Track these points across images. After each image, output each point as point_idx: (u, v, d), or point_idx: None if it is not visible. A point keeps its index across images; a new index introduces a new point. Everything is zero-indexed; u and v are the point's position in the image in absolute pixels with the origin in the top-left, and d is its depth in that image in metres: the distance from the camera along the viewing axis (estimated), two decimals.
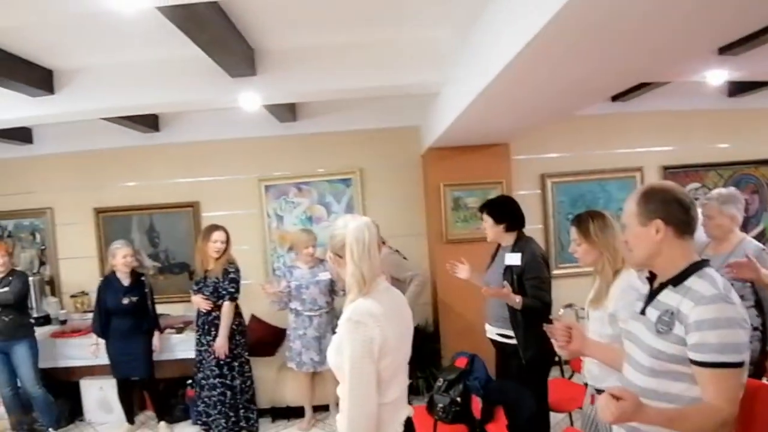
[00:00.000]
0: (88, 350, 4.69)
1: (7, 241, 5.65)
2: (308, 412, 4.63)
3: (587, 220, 2.57)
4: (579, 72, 2.63)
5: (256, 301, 4.99)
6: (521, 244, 3.46)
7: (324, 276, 4.43)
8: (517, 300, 3.20)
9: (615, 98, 5.17)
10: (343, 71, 3.70)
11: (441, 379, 3.40)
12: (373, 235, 1.96)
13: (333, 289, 4.48)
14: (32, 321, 4.83)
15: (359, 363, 1.82)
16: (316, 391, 4.61)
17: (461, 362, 3.43)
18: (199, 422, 4.52)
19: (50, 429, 4.61)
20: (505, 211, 3.54)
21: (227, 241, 4.43)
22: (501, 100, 3.17)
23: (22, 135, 5.44)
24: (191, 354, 4.54)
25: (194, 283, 4.49)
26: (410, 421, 2.05)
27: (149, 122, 5.28)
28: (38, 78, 3.74)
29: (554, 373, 3.89)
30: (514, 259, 3.38)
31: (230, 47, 3.31)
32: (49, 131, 5.55)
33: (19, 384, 4.60)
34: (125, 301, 4.47)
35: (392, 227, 4.94)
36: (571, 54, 2.31)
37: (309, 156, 5.60)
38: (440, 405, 3.24)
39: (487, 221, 3.53)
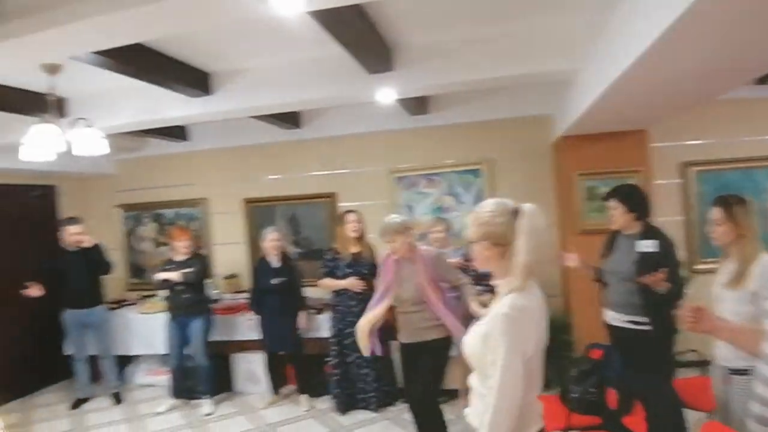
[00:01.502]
0: (245, 325, 5.22)
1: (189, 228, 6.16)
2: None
3: (732, 202, 2.61)
4: (727, 52, 2.47)
5: None
6: (653, 231, 3.43)
7: (453, 260, 4.52)
8: (666, 286, 3.17)
9: (761, 81, 4.70)
10: (477, 62, 3.71)
11: (575, 370, 3.34)
12: (542, 224, 1.88)
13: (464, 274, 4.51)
14: (209, 299, 5.40)
15: (511, 359, 1.75)
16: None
17: (596, 353, 3.36)
18: (337, 399, 4.82)
19: (206, 396, 5.16)
20: (637, 199, 3.52)
21: (361, 222, 4.73)
22: (639, 86, 3.04)
23: (180, 133, 6.06)
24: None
25: (344, 266, 4.76)
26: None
27: (291, 119, 5.64)
28: (196, 80, 4.13)
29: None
30: (649, 246, 3.34)
31: (369, 45, 3.46)
32: (204, 129, 6.12)
33: (188, 354, 5.19)
34: (275, 281, 4.89)
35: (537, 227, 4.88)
36: (720, 31, 2.17)
37: (439, 147, 5.70)
38: (574, 395, 3.19)
39: (618, 209, 3.50)
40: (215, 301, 5.89)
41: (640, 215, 3.47)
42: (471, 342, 1.94)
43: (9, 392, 5.71)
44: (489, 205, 1.96)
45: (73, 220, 5.41)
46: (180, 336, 5.14)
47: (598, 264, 3.72)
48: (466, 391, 2.06)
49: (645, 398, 2.88)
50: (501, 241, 1.87)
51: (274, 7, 2.31)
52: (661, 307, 3.25)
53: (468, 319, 3.47)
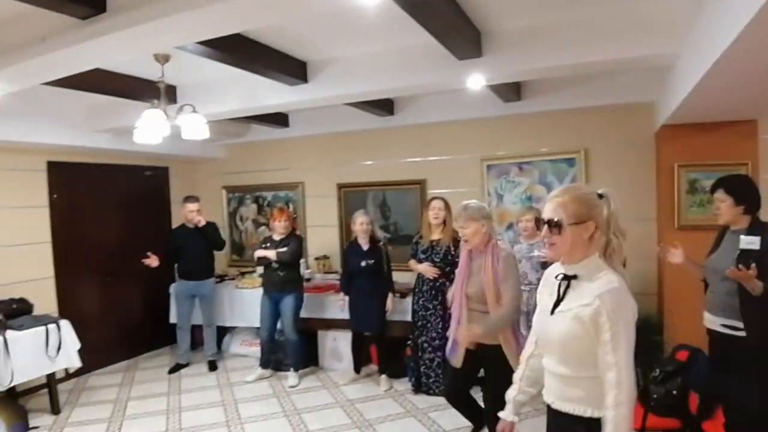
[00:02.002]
0: (337, 305, 5.42)
1: (288, 209, 6.52)
2: None
3: None
4: None
5: None
6: (759, 227, 3.12)
7: (538, 253, 4.45)
8: (760, 285, 2.90)
9: None
10: (571, 47, 3.58)
11: (657, 370, 3.23)
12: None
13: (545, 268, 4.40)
14: (302, 277, 5.69)
15: (630, 334, 1.78)
16: None
17: (682, 355, 3.22)
18: (412, 380, 4.94)
19: (292, 369, 5.45)
20: (746, 190, 3.22)
21: (446, 210, 4.72)
22: (741, 69, 2.83)
23: (280, 119, 6.35)
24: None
25: (421, 251, 4.86)
26: None
27: (385, 106, 5.74)
28: (294, 69, 4.32)
29: None
30: (751, 242, 3.06)
31: (458, 31, 3.46)
32: (302, 116, 6.37)
33: (279, 328, 5.50)
34: (363, 263, 5.05)
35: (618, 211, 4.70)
36: None
37: (532, 135, 5.58)
38: (654, 396, 3.09)
39: (725, 201, 3.22)
40: (307, 279, 6.18)
41: (748, 209, 3.17)
42: (568, 326, 1.87)
43: (117, 354, 6.34)
44: (583, 187, 1.99)
45: (192, 198, 5.91)
46: (272, 311, 5.45)
47: (703, 262, 3.45)
48: None
49: (728, 405, 2.73)
50: (599, 223, 1.89)
51: None
52: (757, 311, 2.99)
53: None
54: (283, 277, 5.37)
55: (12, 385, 4.37)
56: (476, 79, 4.02)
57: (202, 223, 5.79)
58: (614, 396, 1.74)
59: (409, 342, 4.99)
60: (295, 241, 5.48)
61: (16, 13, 2.99)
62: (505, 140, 5.72)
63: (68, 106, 5.01)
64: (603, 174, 5.24)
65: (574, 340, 1.86)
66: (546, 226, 1.94)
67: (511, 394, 2.21)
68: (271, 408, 4.81)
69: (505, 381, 3.30)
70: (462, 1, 3.27)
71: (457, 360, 3.40)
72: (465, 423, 3.94)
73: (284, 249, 5.34)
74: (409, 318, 5.05)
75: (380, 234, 6.23)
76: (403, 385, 5.11)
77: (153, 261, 5.61)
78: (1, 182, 5.24)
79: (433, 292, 4.73)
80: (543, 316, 2.02)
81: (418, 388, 4.90)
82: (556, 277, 2.00)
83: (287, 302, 5.40)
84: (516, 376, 2.22)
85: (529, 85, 5.22)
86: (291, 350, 5.47)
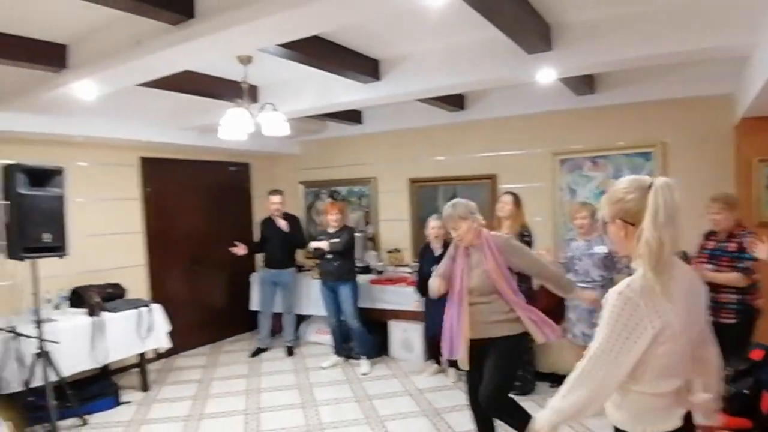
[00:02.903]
0: (414, 305, 5.53)
1: (341, 202, 6.89)
2: None
3: None
4: None
5: None
6: None
7: (599, 249, 4.36)
8: None
9: None
10: (641, 39, 3.52)
11: (729, 368, 3.14)
12: (678, 199, 1.67)
13: (611, 264, 4.24)
14: (356, 267, 5.89)
15: (611, 342, 1.66)
16: None
17: (757, 354, 3.12)
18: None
19: (363, 356, 5.65)
20: None
21: (515, 204, 4.74)
22: None
23: (354, 116, 6.54)
24: None
25: None
26: (690, 415, 1.80)
27: (456, 102, 5.80)
28: (367, 67, 4.47)
29: None
30: None
31: (526, 25, 3.47)
32: (375, 113, 6.53)
33: (343, 317, 5.71)
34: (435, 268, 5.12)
35: (696, 206, 4.55)
36: None
37: (606, 129, 5.47)
38: (725, 395, 3.01)
39: None
40: (379, 272, 6.37)
41: None
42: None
43: (203, 337, 6.77)
44: (624, 181, 1.79)
45: (275, 192, 6.29)
46: (332, 299, 5.72)
47: None
48: None
49: None
50: (632, 219, 1.72)
51: None
52: None
53: (557, 308, 3.33)
54: (337, 267, 5.61)
55: (107, 362, 4.78)
56: (546, 73, 4.02)
57: (281, 223, 6.13)
58: (572, 378, 1.77)
59: None
60: (347, 233, 5.71)
61: (111, 20, 3.29)
62: (579, 134, 5.64)
63: (159, 105, 5.38)
64: (681, 168, 5.05)
65: None
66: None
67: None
68: (343, 393, 5.02)
69: (507, 372, 3.27)
70: None
71: (462, 359, 3.29)
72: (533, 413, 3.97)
73: (337, 240, 5.55)
74: None
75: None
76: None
77: (240, 250, 6.01)
78: (98, 176, 5.71)
79: None
80: None
81: None
82: None
83: (344, 292, 5.62)
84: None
85: (602, 78, 5.13)
86: (357, 338, 5.69)
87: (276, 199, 6.21)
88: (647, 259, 1.65)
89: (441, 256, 5.07)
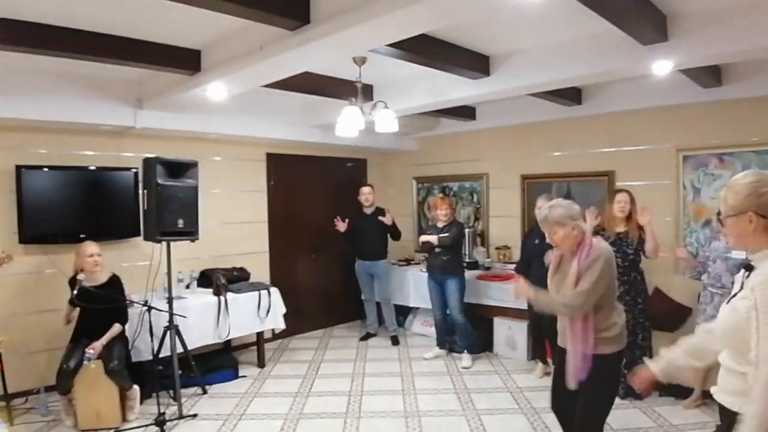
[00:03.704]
0: (510, 293, 5.40)
1: (452, 197, 6.98)
2: (697, 392, 4.36)
3: None
4: None
5: (665, 275, 5.11)
6: None
7: (737, 255, 4.09)
8: None
9: None
10: (764, 27, 3.26)
11: None
12: None
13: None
14: (464, 262, 5.97)
15: None
16: (710, 375, 4.33)
17: None
18: None
19: (465, 350, 5.73)
20: None
21: (632, 203, 4.63)
22: None
23: (468, 113, 6.59)
24: None
25: (610, 244, 4.75)
26: None
27: (572, 96, 5.65)
28: (477, 63, 4.51)
29: None
30: None
31: (639, 16, 3.36)
32: (488, 109, 6.53)
33: (448, 311, 5.81)
34: (537, 243, 5.03)
35: None
36: None
37: (735, 124, 5.05)
38: None
39: None
40: (487, 268, 6.39)
41: None
42: (730, 318, 1.85)
43: (316, 322, 7.22)
44: (750, 175, 1.86)
45: (366, 184, 6.62)
46: (439, 292, 5.83)
47: None
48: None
49: None
50: (765, 212, 1.79)
51: None
52: None
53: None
54: (445, 261, 5.70)
55: (228, 338, 5.26)
56: (662, 65, 3.84)
57: (386, 218, 6.36)
58: (758, 390, 1.66)
59: None
60: (456, 227, 5.77)
61: (238, 28, 3.64)
62: (704, 129, 5.26)
63: (283, 105, 5.81)
64: None
65: (730, 331, 1.84)
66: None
67: (665, 353, 2.23)
68: (443, 384, 5.13)
69: (589, 396, 2.90)
70: None
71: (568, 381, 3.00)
72: (630, 421, 3.86)
73: (446, 235, 5.64)
74: None
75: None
76: None
77: (340, 225, 6.35)
78: (229, 170, 6.26)
79: (626, 287, 4.59)
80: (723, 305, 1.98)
81: None
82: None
83: (451, 286, 5.70)
84: (683, 340, 2.21)
85: (730, 69, 4.76)
86: (460, 332, 5.76)
87: (366, 190, 6.50)
88: None
89: (543, 241, 5.03)
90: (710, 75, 4.64)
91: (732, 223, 1.87)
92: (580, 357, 2.90)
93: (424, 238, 5.88)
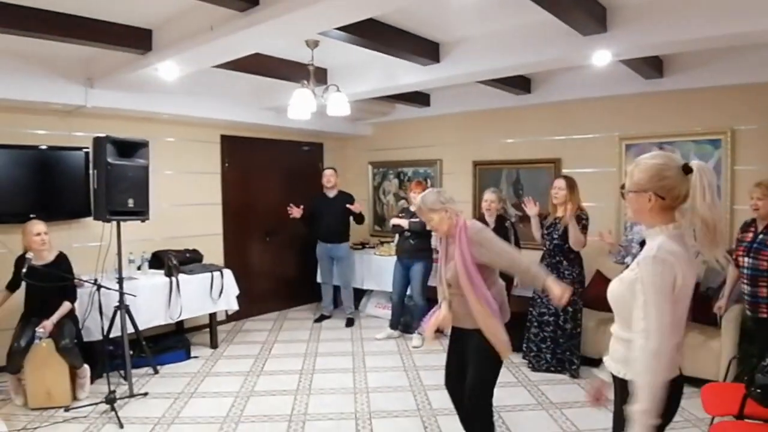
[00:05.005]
0: None
1: (425, 182, 6.99)
2: None
3: None
4: None
5: (603, 258, 5.25)
6: None
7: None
8: None
9: None
10: (706, 18, 3.40)
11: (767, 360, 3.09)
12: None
13: None
14: (431, 247, 6.09)
15: (662, 301, 1.79)
16: None
17: None
18: (526, 355, 5.08)
19: (417, 332, 5.86)
20: None
21: (569, 188, 4.78)
22: None
23: (423, 99, 6.70)
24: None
25: (545, 228, 4.98)
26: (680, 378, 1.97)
27: (522, 85, 5.81)
28: (427, 50, 4.61)
29: None
30: None
31: (578, 7, 3.47)
32: (442, 95, 6.66)
33: (408, 293, 5.96)
34: None
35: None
36: None
37: (675, 114, 5.31)
38: (759, 383, 2.99)
39: None
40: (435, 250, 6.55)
41: None
42: (616, 288, 2.00)
43: (270, 305, 7.29)
44: (659, 157, 1.96)
45: (329, 168, 6.67)
46: (403, 275, 5.96)
47: None
48: None
49: None
50: (665, 195, 1.89)
51: None
52: None
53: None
54: (414, 245, 5.83)
55: (180, 319, 5.30)
56: (602, 55, 4.00)
57: (355, 207, 6.43)
58: (647, 361, 1.79)
59: (528, 317, 5.13)
60: None
61: (189, 7, 3.66)
62: (646, 119, 5.51)
63: (237, 87, 5.81)
64: (751, 157, 4.88)
65: (617, 300, 1.99)
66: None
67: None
68: (393, 362, 5.29)
69: (480, 370, 3.05)
70: None
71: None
72: (575, 396, 4.11)
73: (417, 219, 5.74)
74: (530, 294, 5.19)
75: (512, 212, 6.37)
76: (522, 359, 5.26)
77: (295, 212, 6.38)
78: (184, 152, 6.24)
79: (549, 268, 4.81)
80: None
81: (534, 366, 5.03)
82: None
83: (417, 269, 5.84)
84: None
85: (671, 61, 4.99)
86: (418, 314, 5.88)
87: (328, 173, 6.58)
88: (704, 235, 1.86)
89: (494, 230, 5.21)
90: (652, 67, 4.84)
91: (633, 199, 1.98)
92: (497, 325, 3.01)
93: (395, 221, 5.99)
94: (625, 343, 1.95)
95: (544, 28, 4.04)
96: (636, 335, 1.84)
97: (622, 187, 2.05)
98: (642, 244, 2.00)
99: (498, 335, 3.00)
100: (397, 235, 6.18)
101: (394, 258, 6.16)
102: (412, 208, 5.90)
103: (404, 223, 5.84)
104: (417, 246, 5.85)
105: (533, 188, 6.32)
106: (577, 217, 4.69)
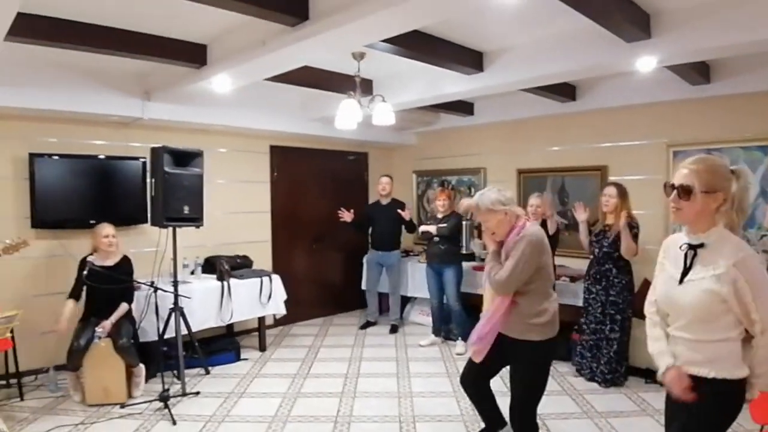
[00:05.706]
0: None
1: (450, 190, 7.14)
2: None
3: None
4: None
5: (651, 267, 5.14)
6: None
7: None
8: None
9: None
10: (750, 23, 3.37)
11: None
12: None
13: None
14: (461, 252, 6.17)
15: None
16: None
17: None
18: (576, 363, 5.05)
19: (460, 338, 5.91)
20: None
21: (619, 196, 4.77)
22: None
23: (466, 108, 6.76)
24: (580, 302, 5.10)
25: (594, 235, 4.97)
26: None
27: (567, 92, 5.80)
28: (471, 59, 4.68)
29: None
30: None
31: (621, 13, 3.46)
32: (486, 104, 6.70)
33: (444, 299, 6.00)
34: None
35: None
36: None
37: (723, 120, 5.19)
38: None
39: None
40: (470, 255, 6.58)
41: None
42: (696, 295, 1.99)
43: (316, 310, 7.45)
44: (714, 158, 2.08)
45: (385, 175, 6.80)
46: (436, 281, 6.05)
47: None
48: None
49: None
50: (727, 196, 1.99)
51: None
52: None
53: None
54: (443, 251, 5.92)
55: (231, 322, 5.51)
56: (646, 61, 3.99)
57: (405, 213, 6.47)
58: (760, 335, 1.92)
59: (577, 327, 5.10)
60: (454, 218, 6.02)
61: (242, 23, 3.83)
62: (693, 125, 5.40)
63: (287, 99, 6.03)
64: None
65: (706, 308, 1.98)
66: (674, 192, 2.02)
67: (662, 346, 2.20)
68: (436, 368, 5.33)
69: (535, 387, 2.98)
70: None
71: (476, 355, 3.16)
72: (621, 406, 4.09)
73: (444, 225, 5.88)
74: (579, 302, 5.15)
75: (558, 219, 6.34)
76: (566, 367, 5.26)
77: (346, 215, 6.49)
78: (235, 161, 6.48)
79: (597, 277, 4.81)
80: (670, 284, 2.12)
81: (583, 375, 5.01)
82: (681, 246, 2.09)
83: (448, 274, 5.91)
84: (659, 330, 2.27)
85: (718, 66, 4.90)
86: (456, 320, 5.96)
87: (384, 180, 6.68)
88: (737, 229, 2.01)
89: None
90: (698, 72, 4.77)
91: (701, 200, 1.98)
92: (483, 330, 3.03)
93: (423, 228, 6.10)
94: (713, 344, 2.00)
95: (586, 36, 4.05)
96: (750, 328, 1.95)
97: (672, 187, 2.04)
98: (691, 246, 2.01)
99: (478, 333, 3.08)
100: (426, 241, 6.25)
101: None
102: (439, 215, 6.06)
103: (432, 229, 5.95)
104: (447, 251, 5.93)
105: (579, 196, 6.24)
106: (629, 225, 4.64)
